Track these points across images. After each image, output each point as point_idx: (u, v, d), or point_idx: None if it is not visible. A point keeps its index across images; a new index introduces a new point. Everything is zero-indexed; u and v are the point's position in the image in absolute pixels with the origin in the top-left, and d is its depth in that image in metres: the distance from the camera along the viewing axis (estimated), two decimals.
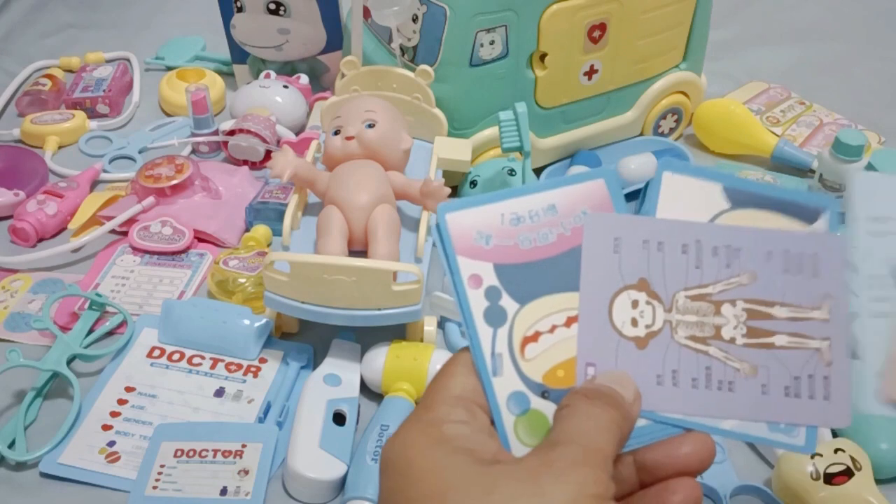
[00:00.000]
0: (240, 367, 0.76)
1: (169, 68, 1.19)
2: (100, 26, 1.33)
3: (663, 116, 1.03)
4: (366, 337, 0.76)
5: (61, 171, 1.01)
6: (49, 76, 1.14)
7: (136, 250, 0.88)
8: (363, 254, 0.76)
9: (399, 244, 0.77)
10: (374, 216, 0.76)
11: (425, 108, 0.89)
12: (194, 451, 0.68)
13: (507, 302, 0.40)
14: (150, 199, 0.91)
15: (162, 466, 0.67)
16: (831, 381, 0.38)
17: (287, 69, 1.11)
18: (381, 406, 0.70)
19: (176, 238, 0.88)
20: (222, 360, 0.76)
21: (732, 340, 0.39)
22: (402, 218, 0.79)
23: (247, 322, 0.77)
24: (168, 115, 1.12)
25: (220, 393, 0.74)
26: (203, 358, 0.77)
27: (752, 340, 0.39)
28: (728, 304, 0.39)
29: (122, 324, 0.80)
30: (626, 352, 0.39)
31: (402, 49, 0.90)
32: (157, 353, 0.77)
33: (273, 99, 1.03)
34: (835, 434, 0.67)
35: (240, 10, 1.07)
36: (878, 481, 0.63)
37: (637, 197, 0.93)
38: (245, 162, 1.00)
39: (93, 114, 1.10)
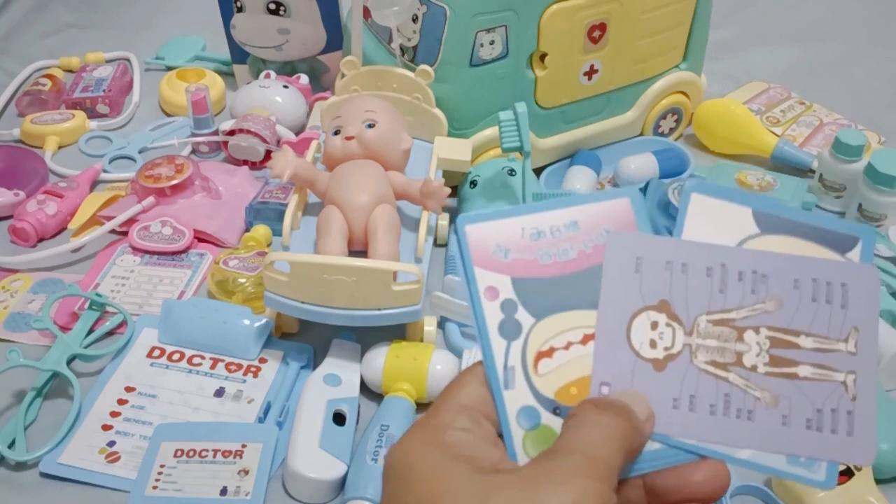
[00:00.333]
0: (240, 367, 0.76)
1: (169, 68, 1.19)
2: (100, 26, 1.33)
3: (663, 116, 1.03)
4: (366, 337, 0.76)
5: (61, 171, 1.01)
6: (49, 76, 1.14)
7: (136, 250, 0.88)
8: (363, 254, 0.76)
9: (399, 244, 0.77)
10: (374, 216, 0.76)
11: (425, 108, 0.89)
12: (194, 451, 0.68)
13: (522, 316, 0.39)
14: (150, 199, 0.91)
15: (162, 466, 0.67)
16: (855, 416, 0.37)
17: (287, 69, 1.11)
18: (381, 406, 0.70)
19: (176, 238, 0.88)
20: (222, 360, 0.76)
21: (754, 368, 0.38)
22: (402, 218, 0.80)
23: (247, 322, 0.77)
24: (168, 115, 1.12)
25: (220, 393, 0.74)
26: (203, 358, 0.77)
27: (774, 369, 0.38)
28: (751, 331, 0.38)
29: (122, 324, 0.80)
30: (643, 373, 0.38)
31: (402, 49, 0.90)
32: (157, 353, 0.77)
33: (273, 99, 1.03)
34: None
35: (240, 10, 1.07)
36: (878, 481, 0.63)
37: None
38: (245, 162, 1.00)
39: (93, 114, 1.10)
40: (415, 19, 0.88)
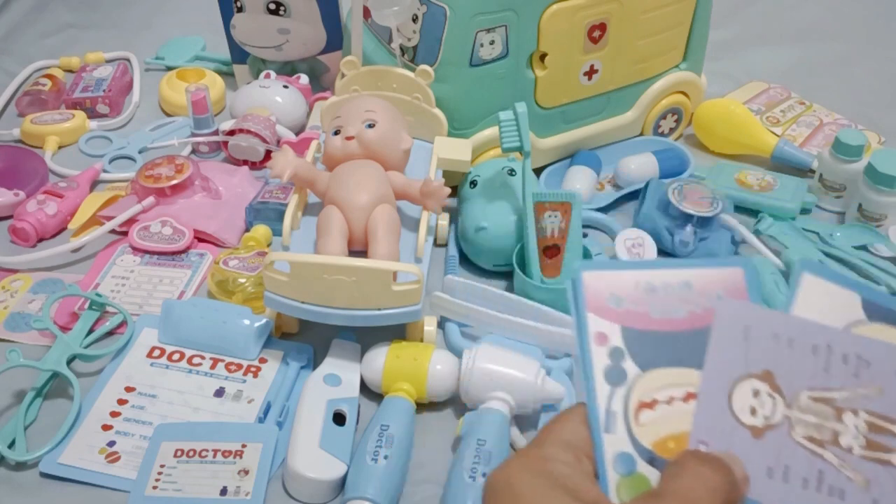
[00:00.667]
0: (240, 367, 0.76)
1: (169, 68, 1.19)
2: (100, 26, 1.33)
3: (663, 116, 1.03)
4: (366, 337, 0.76)
5: (61, 171, 1.00)
6: (49, 76, 1.14)
7: (136, 250, 0.88)
8: (363, 254, 0.76)
9: (399, 244, 0.77)
10: (374, 216, 0.76)
11: (425, 108, 0.89)
12: (194, 451, 0.68)
13: (629, 365, 0.41)
14: (150, 199, 0.91)
15: (162, 466, 0.67)
16: None
17: (287, 69, 1.11)
18: (381, 406, 0.70)
19: (176, 238, 0.88)
20: (222, 360, 0.76)
21: (850, 449, 0.39)
22: (402, 218, 0.80)
23: (247, 322, 0.77)
24: (168, 115, 1.12)
25: (220, 393, 0.74)
26: (203, 358, 0.77)
27: (869, 453, 0.39)
28: (850, 413, 0.39)
29: (122, 324, 0.80)
30: (741, 438, 0.39)
31: (402, 49, 0.90)
32: (157, 353, 0.77)
33: (273, 99, 1.03)
34: None
35: (240, 10, 1.07)
36: None
37: (637, 197, 0.93)
38: (245, 162, 1.00)
39: (93, 114, 1.10)
40: (415, 19, 0.88)
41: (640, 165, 0.96)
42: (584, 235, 0.83)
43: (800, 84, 1.16)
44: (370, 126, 0.80)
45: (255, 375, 0.75)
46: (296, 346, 0.78)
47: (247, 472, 0.66)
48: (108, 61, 1.21)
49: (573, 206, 0.79)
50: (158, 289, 0.85)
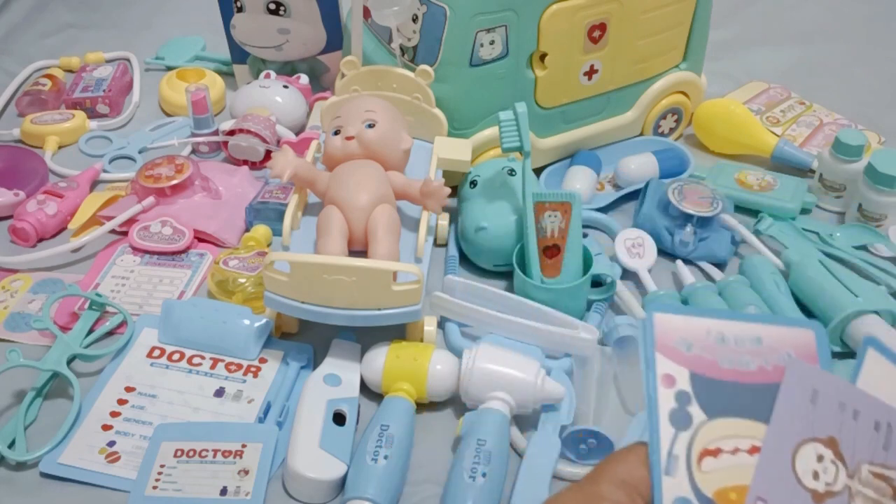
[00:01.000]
0: (240, 367, 0.76)
1: (169, 68, 1.19)
2: (100, 26, 1.33)
3: (663, 116, 1.03)
4: (366, 337, 0.76)
5: (61, 171, 1.01)
6: (49, 76, 1.14)
7: (136, 250, 0.88)
8: (363, 254, 0.76)
9: (399, 244, 0.77)
10: (374, 216, 0.76)
11: (425, 108, 0.89)
12: (194, 451, 0.68)
13: (695, 410, 0.41)
14: (150, 199, 0.91)
15: (162, 466, 0.67)
16: None
17: (287, 69, 1.11)
18: (381, 406, 0.70)
19: (176, 238, 0.88)
20: (222, 360, 0.76)
21: None
22: (402, 218, 0.80)
23: (247, 322, 0.77)
24: (168, 115, 1.12)
25: (220, 393, 0.74)
26: (203, 358, 0.77)
27: None
28: None
29: (122, 324, 0.80)
30: (801, 501, 0.39)
31: (402, 49, 0.90)
32: (157, 353, 0.77)
33: (273, 99, 1.03)
34: None
35: (240, 10, 1.07)
36: None
37: (637, 197, 0.93)
38: (245, 162, 1.00)
39: (93, 114, 1.10)
40: (415, 19, 0.88)
41: (640, 165, 0.96)
42: (584, 235, 0.83)
43: (800, 84, 1.16)
44: (370, 126, 0.80)
45: (255, 375, 0.75)
46: (296, 346, 0.78)
47: (247, 472, 0.66)
48: (108, 61, 1.21)
49: (573, 206, 0.79)
50: (158, 289, 0.85)
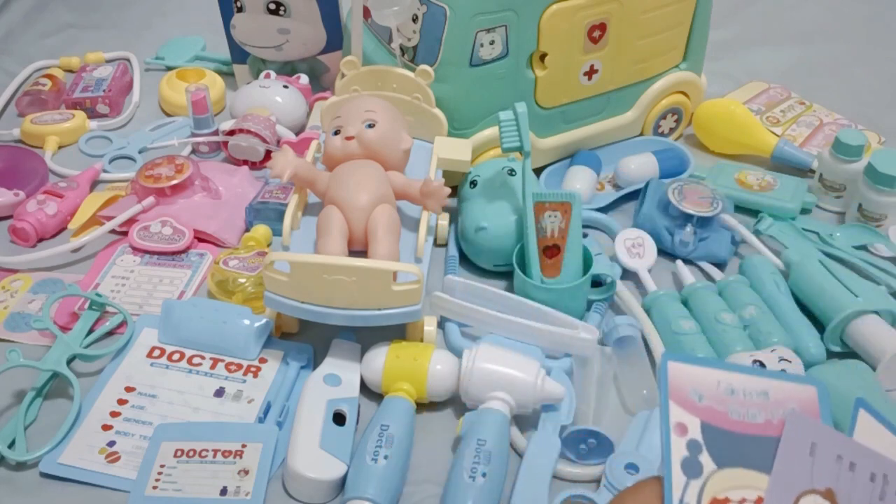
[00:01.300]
0: (240, 367, 0.76)
1: (169, 68, 1.19)
2: (100, 26, 1.33)
3: (663, 116, 1.03)
4: (366, 337, 0.76)
5: (61, 171, 1.00)
6: (49, 76, 1.14)
7: (136, 250, 0.88)
8: (363, 254, 0.76)
9: (399, 244, 0.77)
10: (374, 216, 0.76)
11: (425, 108, 0.89)
12: (194, 451, 0.68)
13: (705, 459, 0.43)
14: (150, 199, 0.91)
15: (162, 466, 0.67)
16: None
17: (287, 69, 1.11)
18: (381, 406, 0.70)
19: (176, 238, 0.88)
20: (222, 360, 0.76)
21: None
22: (402, 218, 0.80)
23: (247, 322, 0.77)
24: (168, 115, 1.12)
25: (220, 393, 0.74)
26: (203, 358, 0.77)
27: None
28: None
29: (122, 324, 0.80)
30: None
31: (402, 49, 0.90)
32: (157, 353, 0.77)
33: (273, 99, 1.03)
34: None
35: (240, 10, 1.07)
36: None
37: (637, 197, 0.93)
38: (245, 162, 1.00)
39: (93, 114, 1.10)
40: (415, 19, 0.88)
41: (640, 165, 0.96)
42: (584, 235, 0.83)
43: (800, 84, 1.16)
44: (370, 126, 0.80)
45: (255, 375, 0.75)
46: (296, 346, 0.78)
47: (247, 472, 0.66)
48: (108, 61, 1.21)
49: (573, 206, 0.79)
50: (158, 289, 0.85)
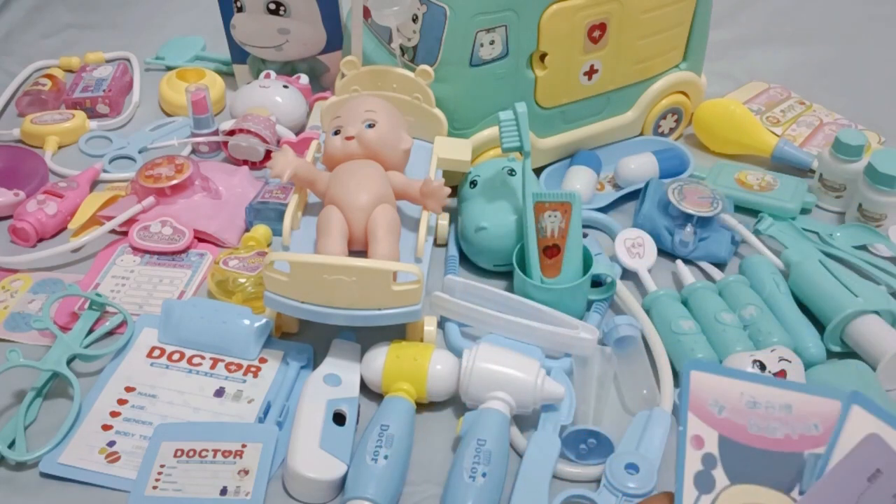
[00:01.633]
0: (240, 367, 0.76)
1: (169, 68, 1.19)
2: (100, 26, 1.33)
3: (663, 116, 1.03)
4: (366, 337, 0.76)
5: (61, 171, 1.01)
6: (49, 76, 1.14)
7: (136, 250, 0.88)
8: (363, 254, 0.76)
9: (399, 244, 0.77)
10: (374, 216, 0.76)
11: (425, 108, 0.89)
12: (194, 451, 0.68)
13: (719, 474, 0.42)
14: (150, 199, 0.91)
15: (162, 466, 0.67)
16: None
17: (287, 69, 1.11)
18: (381, 406, 0.70)
19: (176, 238, 0.88)
20: (222, 360, 0.76)
21: None
22: (402, 218, 0.80)
23: (247, 322, 0.77)
24: (168, 115, 1.12)
25: (220, 393, 0.74)
26: (203, 358, 0.77)
27: None
28: None
29: (122, 324, 0.80)
30: None
31: (402, 49, 0.90)
32: (157, 353, 0.77)
33: (273, 99, 1.03)
34: None
35: (240, 10, 1.07)
36: None
37: (637, 197, 0.93)
38: (245, 162, 1.00)
39: (93, 114, 1.10)
40: (415, 19, 0.88)
41: (640, 165, 0.96)
42: (584, 235, 0.83)
43: (800, 84, 1.16)
44: (370, 126, 0.80)
45: (255, 375, 0.75)
46: (296, 346, 0.78)
47: (247, 472, 0.66)
48: (108, 61, 1.21)
49: (573, 206, 0.79)
50: (158, 289, 0.85)
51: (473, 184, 0.87)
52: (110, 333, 0.80)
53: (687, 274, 0.84)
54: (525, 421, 0.72)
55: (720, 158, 1.03)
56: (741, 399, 0.44)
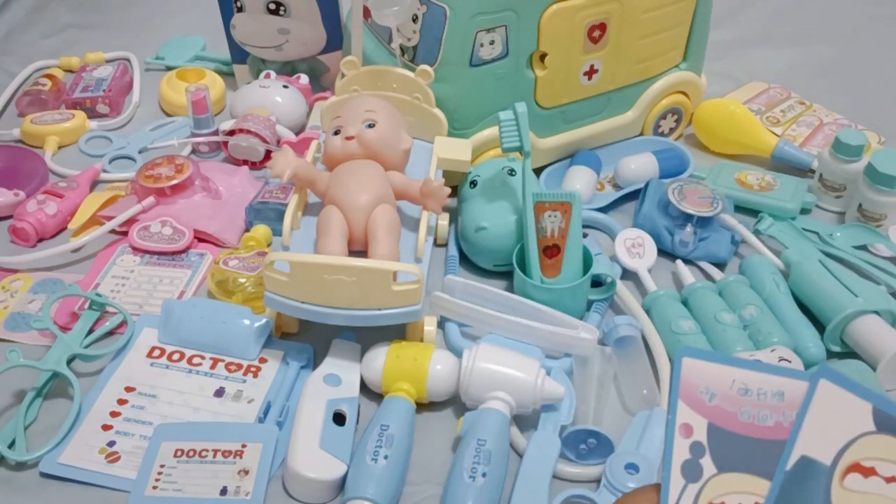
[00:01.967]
0: (240, 367, 0.76)
1: (169, 68, 1.19)
2: (100, 26, 1.33)
3: (663, 116, 1.03)
4: (366, 337, 0.76)
5: (61, 171, 1.01)
6: (49, 76, 1.14)
7: (136, 250, 0.88)
8: (363, 254, 0.76)
9: (399, 244, 0.77)
10: (374, 216, 0.76)
11: (425, 108, 0.89)
12: (194, 451, 0.68)
13: (706, 462, 0.42)
14: (150, 199, 0.91)
15: (162, 466, 0.67)
16: None
17: (287, 69, 1.11)
18: (381, 406, 0.70)
19: (176, 238, 0.88)
20: (222, 360, 0.76)
21: None
22: (402, 218, 0.80)
23: (247, 322, 0.77)
24: (168, 115, 1.12)
25: (220, 393, 0.74)
26: (203, 358, 0.77)
27: None
28: None
29: (122, 324, 0.80)
30: None
31: (402, 49, 0.90)
32: (157, 353, 0.77)
33: (273, 99, 1.03)
34: None
35: (240, 10, 1.07)
36: None
37: (637, 197, 0.93)
38: (245, 162, 1.00)
39: (93, 114, 1.10)
40: (415, 19, 0.88)
41: (640, 165, 0.96)
42: (584, 235, 0.83)
43: (800, 84, 1.16)
44: (370, 126, 0.80)
45: (255, 375, 0.75)
46: (296, 346, 0.78)
47: (247, 472, 0.66)
48: (108, 61, 1.21)
49: (573, 206, 0.79)
50: (158, 289, 0.85)
51: (473, 184, 0.87)
52: (110, 333, 0.80)
53: (687, 274, 0.84)
54: (525, 421, 0.72)
55: (720, 158, 1.03)
56: (732, 386, 0.43)
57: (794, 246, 0.86)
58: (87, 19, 1.35)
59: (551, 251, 0.79)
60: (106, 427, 0.71)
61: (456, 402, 0.73)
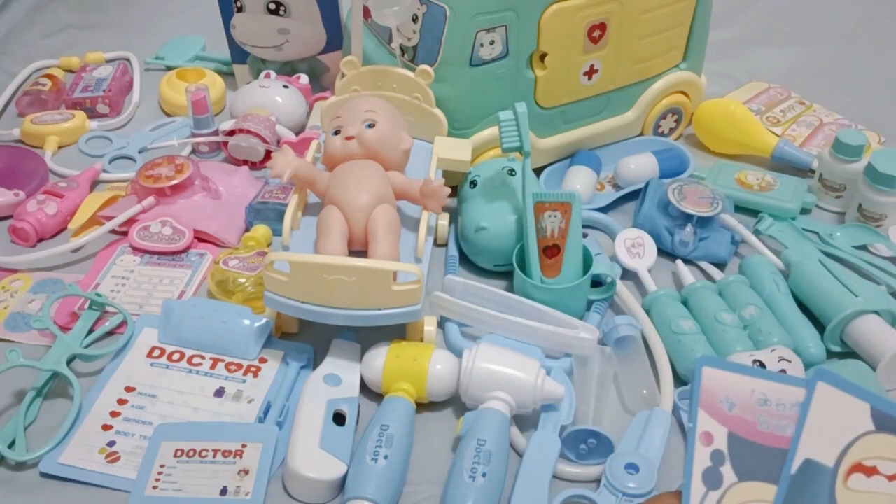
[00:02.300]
0: (240, 367, 0.76)
1: (169, 68, 1.19)
2: (100, 26, 1.33)
3: (663, 116, 1.03)
4: (366, 337, 0.76)
5: (61, 171, 1.01)
6: (49, 76, 1.14)
7: (136, 250, 0.88)
8: (363, 254, 0.76)
9: (399, 244, 0.77)
10: (374, 216, 0.76)
11: (425, 108, 0.89)
12: (194, 451, 0.68)
13: (727, 471, 0.42)
14: (150, 199, 0.91)
15: (162, 466, 0.67)
16: None
17: (287, 69, 1.11)
18: (381, 406, 0.70)
19: (176, 238, 0.88)
20: (222, 360, 0.76)
21: None
22: (402, 218, 0.80)
23: (247, 322, 0.77)
24: (168, 115, 1.12)
25: (220, 393, 0.74)
26: (203, 358, 0.77)
27: None
28: None
29: (122, 324, 0.80)
30: None
31: (402, 49, 0.90)
32: (157, 353, 0.77)
33: (273, 99, 1.03)
34: None
35: (240, 10, 1.07)
36: None
37: (637, 197, 0.93)
38: (245, 162, 1.00)
39: (93, 114, 1.10)
40: (415, 19, 0.88)
41: (640, 165, 0.96)
42: (584, 235, 0.83)
43: (800, 84, 1.16)
44: (370, 126, 0.80)
45: (255, 375, 0.75)
46: (296, 346, 0.78)
47: (247, 472, 0.66)
48: (108, 61, 1.21)
49: (573, 206, 0.79)
50: (158, 289, 0.85)
51: (473, 184, 0.87)
52: (110, 333, 0.80)
53: (687, 274, 0.84)
54: (525, 421, 0.72)
55: (720, 158, 1.03)
56: (752, 396, 0.44)
57: (794, 246, 0.86)
58: (87, 19, 1.35)
59: (551, 251, 0.79)
60: (106, 427, 0.71)
61: (456, 402, 0.73)
